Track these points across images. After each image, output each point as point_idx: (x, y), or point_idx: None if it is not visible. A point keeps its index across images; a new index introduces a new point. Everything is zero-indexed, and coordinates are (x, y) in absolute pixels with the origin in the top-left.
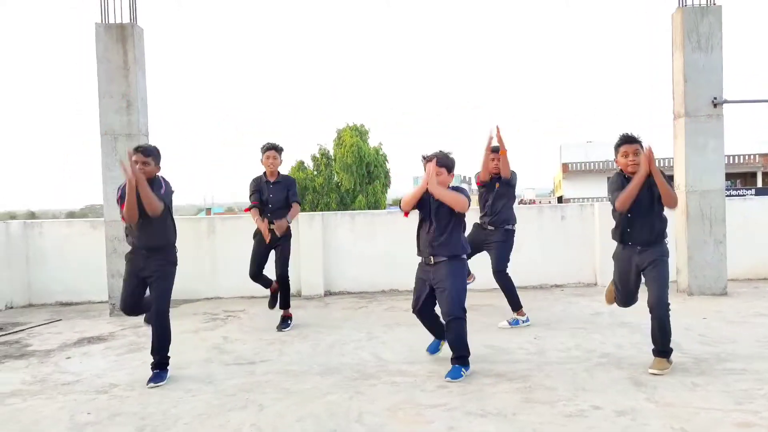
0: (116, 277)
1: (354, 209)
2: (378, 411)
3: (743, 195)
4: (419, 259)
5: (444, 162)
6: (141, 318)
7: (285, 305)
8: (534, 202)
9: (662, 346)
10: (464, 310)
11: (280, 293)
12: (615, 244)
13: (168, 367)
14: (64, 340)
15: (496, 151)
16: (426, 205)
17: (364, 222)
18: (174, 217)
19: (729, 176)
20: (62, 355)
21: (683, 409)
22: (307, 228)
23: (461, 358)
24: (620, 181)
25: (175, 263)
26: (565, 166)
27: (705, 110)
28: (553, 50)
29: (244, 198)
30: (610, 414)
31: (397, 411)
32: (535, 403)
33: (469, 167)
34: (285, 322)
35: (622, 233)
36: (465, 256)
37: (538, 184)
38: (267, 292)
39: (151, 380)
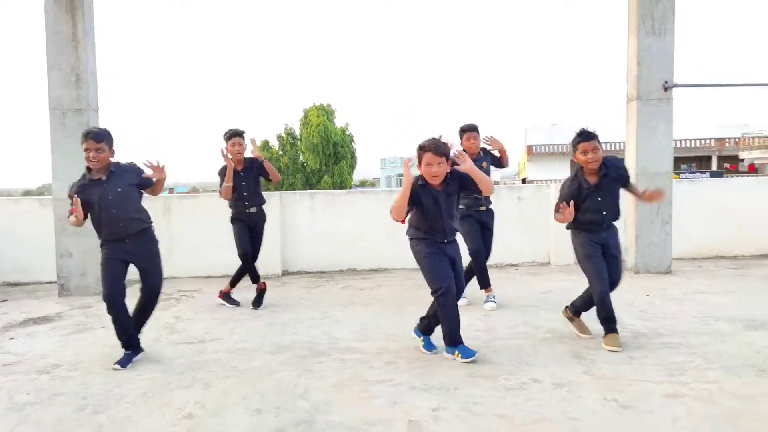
0: (65, 256)
1: (320, 189)
2: (324, 387)
3: (698, 177)
4: (377, 239)
5: (443, 151)
6: (91, 299)
7: (256, 280)
8: (497, 183)
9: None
10: None
11: (250, 270)
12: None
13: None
14: (9, 321)
15: (468, 130)
16: (433, 198)
17: (324, 201)
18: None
19: (685, 160)
20: (6, 335)
21: (617, 381)
22: (264, 207)
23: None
24: (573, 188)
25: (156, 240)
26: (529, 149)
27: (656, 94)
28: (519, 31)
29: (208, 177)
30: (548, 386)
31: (343, 387)
32: (479, 378)
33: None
34: (261, 296)
35: (597, 222)
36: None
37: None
38: (223, 270)
39: (120, 362)
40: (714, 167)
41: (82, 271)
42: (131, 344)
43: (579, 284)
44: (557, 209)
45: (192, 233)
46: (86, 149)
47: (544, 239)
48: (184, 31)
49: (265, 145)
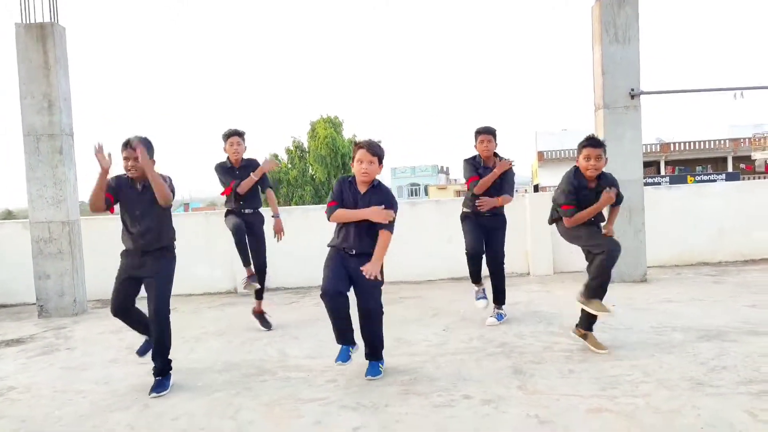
0: (43, 278)
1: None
2: (256, 407)
3: (714, 180)
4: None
5: (376, 151)
6: (67, 320)
7: (259, 296)
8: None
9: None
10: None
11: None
12: (544, 231)
13: (171, 373)
14: None
15: (482, 132)
16: (354, 200)
17: (300, 216)
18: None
19: (700, 161)
20: None
21: (546, 396)
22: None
23: (378, 351)
24: (574, 186)
25: (174, 258)
26: (540, 154)
27: (623, 102)
28: (527, 36)
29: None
30: (477, 403)
31: (274, 407)
32: (411, 395)
33: (447, 158)
34: (264, 319)
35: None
36: None
37: (518, 172)
38: (203, 288)
39: (153, 389)
40: (729, 168)
41: (60, 293)
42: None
43: (551, 295)
44: (564, 211)
45: (180, 251)
46: (125, 158)
47: (521, 249)
48: (188, 48)
49: (274, 159)
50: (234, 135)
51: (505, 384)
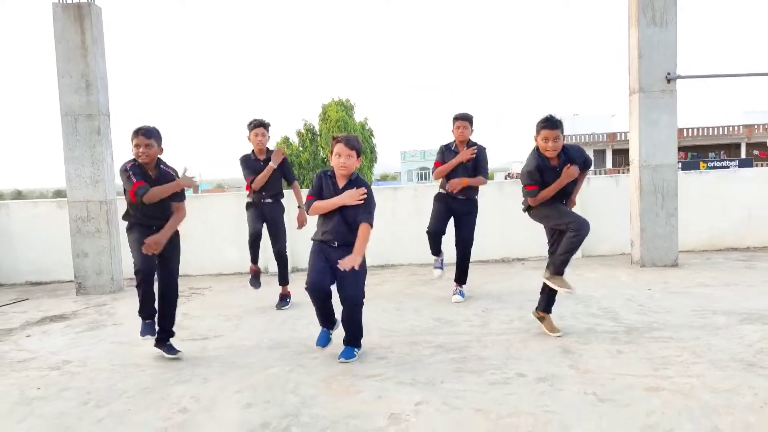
0: (81, 256)
1: None
2: (314, 382)
3: (727, 166)
4: (383, 236)
5: (354, 145)
6: (106, 297)
7: (283, 281)
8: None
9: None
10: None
11: (278, 269)
12: None
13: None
14: (27, 319)
15: (459, 119)
16: (334, 194)
17: None
18: None
19: (714, 147)
20: (23, 333)
21: (600, 375)
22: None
23: (356, 338)
24: (536, 169)
25: (179, 234)
26: None
27: (659, 86)
28: (540, 19)
29: (233, 174)
30: (531, 381)
31: (332, 382)
32: (465, 372)
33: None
34: (284, 300)
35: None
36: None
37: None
38: (233, 268)
39: (170, 351)
40: (743, 154)
41: (98, 271)
42: (150, 316)
43: (583, 278)
44: (528, 192)
45: (203, 232)
46: (136, 145)
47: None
48: (203, 31)
49: (285, 141)
50: (259, 126)
51: (556, 363)
